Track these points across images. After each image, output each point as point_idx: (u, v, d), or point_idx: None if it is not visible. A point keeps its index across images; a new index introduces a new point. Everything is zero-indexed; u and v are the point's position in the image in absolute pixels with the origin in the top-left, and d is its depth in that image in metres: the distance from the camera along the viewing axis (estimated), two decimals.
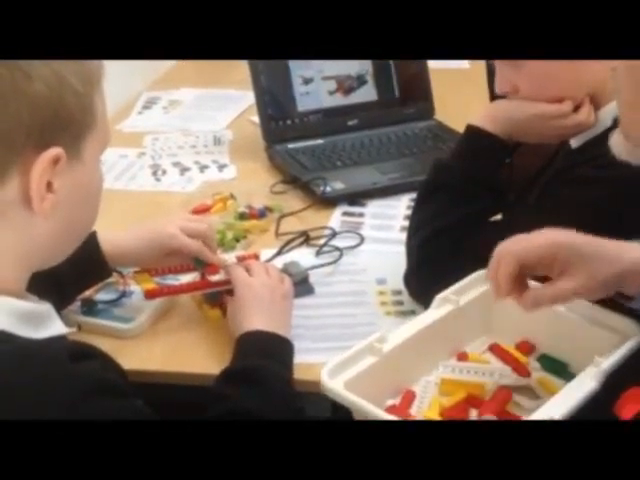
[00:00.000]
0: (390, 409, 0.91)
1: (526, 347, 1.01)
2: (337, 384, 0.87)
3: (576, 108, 1.10)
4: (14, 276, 0.74)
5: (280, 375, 0.98)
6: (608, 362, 0.88)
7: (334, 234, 1.35)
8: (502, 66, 1.12)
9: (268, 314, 1.05)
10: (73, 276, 1.04)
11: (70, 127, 0.71)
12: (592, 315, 0.96)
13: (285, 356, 1.02)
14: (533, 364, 0.99)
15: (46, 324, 0.74)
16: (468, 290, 1.02)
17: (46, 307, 0.76)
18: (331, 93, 1.71)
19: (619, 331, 0.94)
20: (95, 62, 0.75)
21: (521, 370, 0.97)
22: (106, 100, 0.77)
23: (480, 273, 1.02)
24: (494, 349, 1.01)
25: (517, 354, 1.00)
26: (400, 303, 1.17)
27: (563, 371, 0.97)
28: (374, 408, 0.84)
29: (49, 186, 0.71)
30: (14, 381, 0.66)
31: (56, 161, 0.70)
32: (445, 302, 1.00)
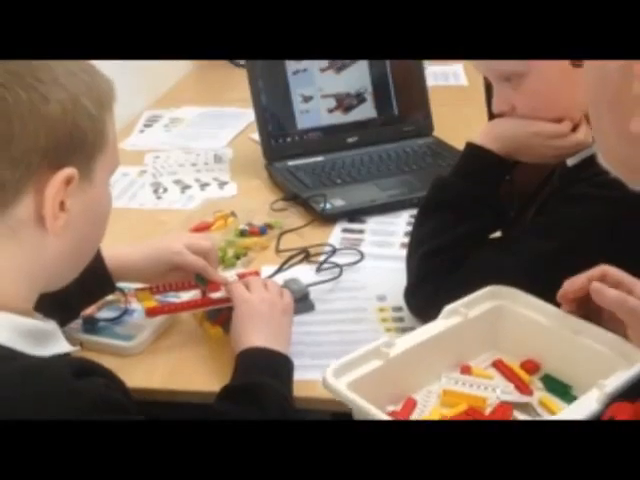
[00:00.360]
0: (390, 415, 0.91)
1: (530, 366, 1.01)
2: (340, 383, 0.87)
3: (574, 128, 1.10)
4: (22, 294, 0.75)
5: (279, 392, 0.98)
6: (612, 385, 0.86)
7: (334, 251, 1.35)
8: (499, 85, 1.12)
9: (267, 330, 1.05)
10: (77, 290, 1.04)
11: (83, 148, 0.73)
12: (601, 339, 0.94)
13: (284, 373, 1.02)
14: (536, 383, 0.99)
15: (51, 342, 0.75)
16: (478, 304, 1.02)
17: (51, 326, 0.76)
18: (330, 111, 1.72)
19: (627, 357, 0.91)
20: (106, 85, 0.76)
21: (523, 388, 0.97)
22: None
23: (491, 288, 1.03)
24: (498, 365, 1.01)
25: (521, 372, 1.00)
26: (401, 320, 1.17)
27: (566, 393, 0.97)
28: (375, 410, 0.84)
29: (62, 205, 0.72)
30: (17, 397, 0.67)
31: (69, 181, 0.72)
32: (454, 314, 1.00)
